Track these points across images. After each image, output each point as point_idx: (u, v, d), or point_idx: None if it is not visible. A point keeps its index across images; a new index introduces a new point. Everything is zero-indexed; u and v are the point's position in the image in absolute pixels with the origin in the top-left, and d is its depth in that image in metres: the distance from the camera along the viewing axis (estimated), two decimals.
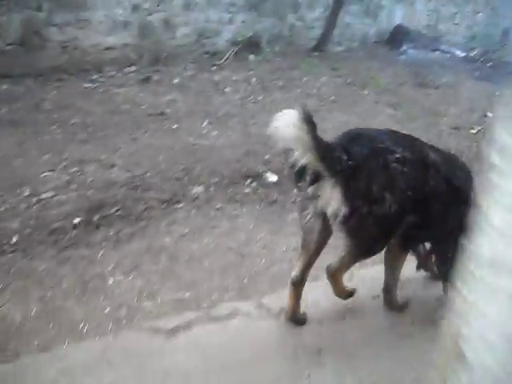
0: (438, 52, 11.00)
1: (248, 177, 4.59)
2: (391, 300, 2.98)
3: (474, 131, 6.92)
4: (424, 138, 6.08)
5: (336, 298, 2.82)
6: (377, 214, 2.41)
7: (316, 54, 9.31)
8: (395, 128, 6.33)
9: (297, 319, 2.78)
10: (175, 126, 5.66)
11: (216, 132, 5.62)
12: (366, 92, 7.68)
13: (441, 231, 2.73)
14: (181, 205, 4.04)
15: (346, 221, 2.40)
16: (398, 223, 2.58)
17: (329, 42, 9.61)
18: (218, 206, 4.07)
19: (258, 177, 4.61)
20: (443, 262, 2.82)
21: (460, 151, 6.10)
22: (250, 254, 3.51)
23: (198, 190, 4.28)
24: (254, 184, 4.50)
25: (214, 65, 7.97)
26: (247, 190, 4.38)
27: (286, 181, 4.60)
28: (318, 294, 2.98)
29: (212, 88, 7.09)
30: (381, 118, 6.74)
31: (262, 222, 3.92)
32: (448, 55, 11.00)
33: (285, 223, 3.95)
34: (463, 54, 11.01)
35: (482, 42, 11.31)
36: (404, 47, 10.84)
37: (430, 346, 1.48)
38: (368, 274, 3.19)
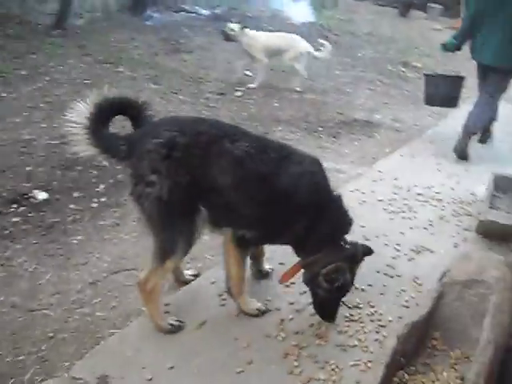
0: (182, 13, 10.86)
1: (12, 201, 3.89)
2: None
3: (239, 94, 7.00)
4: (193, 109, 6.11)
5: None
6: (151, 197, 2.44)
7: (57, 32, 8.39)
8: (159, 101, 6.32)
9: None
10: None
11: None
12: (120, 69, 7.19)
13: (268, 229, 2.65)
14: None
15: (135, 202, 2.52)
16: (186, 211, 2.51)
17: (69, 16, 8.74)
18: None
19: (24, 199, 3.94)
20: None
21: (230, 117, 6.13)
22: (40, 307, 2.94)
23: None
24: (21, 209, 3.82)
25: None
26: (16, 219, 3.70)
27: (57, 195, 4.04)
28: None
29: None
30: (145, 95, 6.39)
31: (43, 258, 3.34)
32: (193, 15, 10.95)
33: (71, 251, 3.43)
34: (208, 13, 11.06)
35: None
36: (148, 12, 10.47)
37: None
38: None
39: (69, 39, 8.21)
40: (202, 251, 3.52)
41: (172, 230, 2.52)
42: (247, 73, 7.92)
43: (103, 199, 4.07)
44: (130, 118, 2.64)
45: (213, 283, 3.14)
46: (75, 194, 4.09)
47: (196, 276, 3.22)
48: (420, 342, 2.47)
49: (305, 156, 2.70)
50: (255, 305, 2.88)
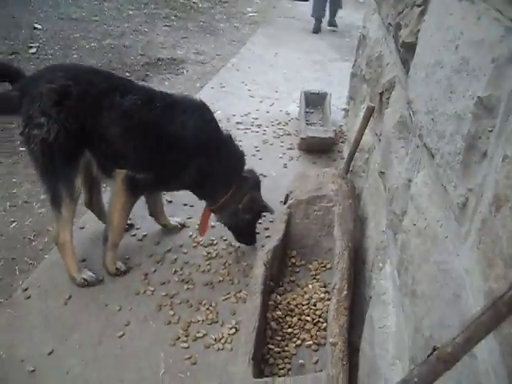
0: None
1: None
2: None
3: (33, 50, 6.39)
4: None
5: None
6: (38, 138, 2.47)
7: None
8: None
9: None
10: None
11: None
12: None
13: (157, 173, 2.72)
14: None
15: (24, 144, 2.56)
16: (70, 156, 2.56)
17: None
18: None
19: None
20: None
21: None
22: None
23: None
24: None
25: None
26: None
27: None
28: None
29: None
30: None
31: None
32: None
33: None
34: None
35: None
36: None
37: None
38: None
39: None
40: (44, 225, 3.31)
41: (54, 173, 2.55)
42: (37, 26, 7.23)
43: None
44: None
45: None
46: None
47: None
48: (282, 263, 2.65)
49: (191, 101, 2.81)
50: (117, 264, 2.86)
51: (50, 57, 6.34)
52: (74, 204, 2.64)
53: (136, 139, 2.62)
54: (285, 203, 2.95)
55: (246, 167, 2.99)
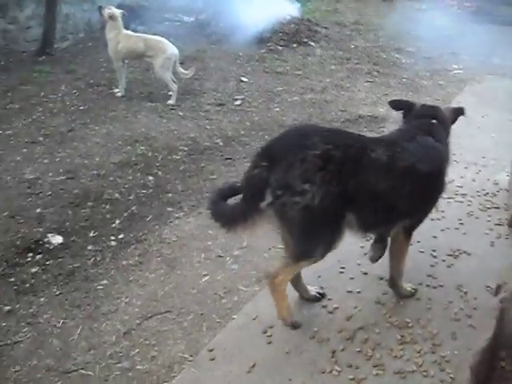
0: (167, 23, 10.63)
1: (28, 249, 3.71)
2: (400, 291, 3.14)
3: (239, 102, 6.82)
4: (195, 124, 5.94)
5: None
6: (300, 204, 2.51)
7: (44, 58, 8.19)
8: (159, 120, 6.15)
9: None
10: None
11: None
12: (115, 90, 6.98)
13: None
14: None
15: (272, 208, 2.60)
16: (334, 218, 2.63)
17: (53, 40, 8.53)
18: (6, 310, 3.20)
19: (38, 245, 3.76)
20: None
21: (233, 128, 5.96)
22: (76, 367, 2.74)
23: None
24: (38, 257, 3.64)
25: None
26: (34, 269, 3.53)
27: (72, 236, 3.87)
28: None
29: None
30: (142, 115, 6.21)
31: (70, 310, 3.16)
32: (177, 23, 10.72)
33: (97, 298, 3.25)
34: (192, 20, 10.84)
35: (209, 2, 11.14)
36: (132, 25, 10.22)
37: None
38: None
39: (56, 64, 7.99)
40: (235, 282, 3.38)
41: (315, 235, 2.65)
42: (243, 79, 7.74)
43: (121, 236, 3.89)
44: None
45: (254, 319, 3.00)
46: (91, 234, 3.91)
47: (322, 296, 3.18)
48: (490, 366, 2.32)
49: (424, 138, 2.88)
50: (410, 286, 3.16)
51: (253, 109, 6.70)
52: (319, 260, 2.77)
53: (405, 188, 2.70)
54: (495, 294, 2.61)
55: (447, 239, 3.28)
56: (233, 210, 2.74)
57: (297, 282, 3.07)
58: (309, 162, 2.49)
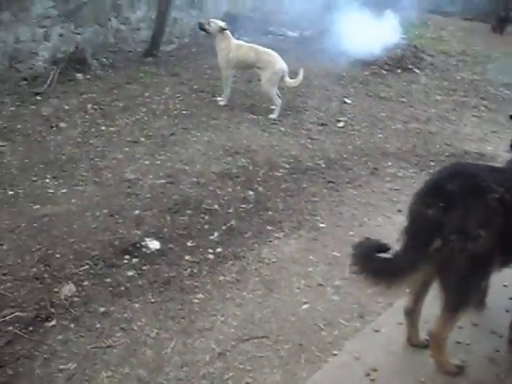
0: (270, 36, 10.61)
1: (125, 251, 3.66)
2: None
3: (342, 124, 6.61)
4: (296, 142, 5.78)
5: None
6: (470, 251, 2.37)
7: (150, 59, 8.35)
8: (261, 134, 6.05)
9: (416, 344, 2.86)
10: (9, 192, 4.44)
11: (64, 190, 4.51)
12: (217, 98, 6.97)
13: None
14: (52, 322, 3.03)
15: (438, 253, 2.39)
16: (490, 262, 2.51)
17: (161, 43, 8.69)
18: (101, 311, 3.13)
19: (136, 248, 3.70)
20: None
21: (336, 151, 5.76)
22: (168, 382, 2.64)
23: (68, 289, 3.28)
24: (134, 261, 3.58)
25: (36, 93, 6.59)
26: (130, 273, 3.46)
27: (170, 244, 3.79)
28: None
29: (42, 126, 5.81)
30: (244, 126, 6.13)
31: (165, 321, 3.05)
32: (281, 37, 10.68)
33: (193, 312, 3.13)
34: (296, 35, 10.76)
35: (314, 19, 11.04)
36: (236, 35, 10.27)
37: None
38: None
39: (162, 67, 8.11)
40: (335, 315, 3.16)
41: (474, 284, 2.55)
42: (347, 100, 7.52)
43: (219, 249, 3.76)
44: None
45: (357, 359, 2.77)
46: (189, 243, 3.81)
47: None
48: None
49: None
50: None
51: (356, 132, 6.47)
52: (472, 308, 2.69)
53: None
54: None
55: None
56: (396, 259, 2.48)
57: (413, 321, 2.85)
58: (489, 207, 2.39)
